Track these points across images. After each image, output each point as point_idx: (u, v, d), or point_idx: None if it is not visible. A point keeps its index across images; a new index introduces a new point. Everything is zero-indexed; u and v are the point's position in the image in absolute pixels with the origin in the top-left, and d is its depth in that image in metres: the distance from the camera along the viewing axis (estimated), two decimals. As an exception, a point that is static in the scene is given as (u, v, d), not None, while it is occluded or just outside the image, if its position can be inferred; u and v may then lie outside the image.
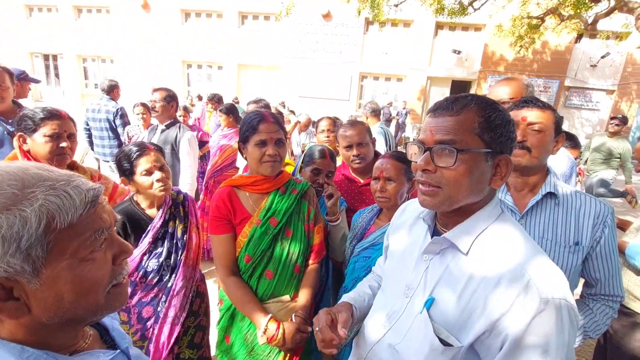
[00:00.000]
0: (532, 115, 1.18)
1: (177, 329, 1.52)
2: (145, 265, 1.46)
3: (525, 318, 0.66)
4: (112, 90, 4.32)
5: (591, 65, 11.70)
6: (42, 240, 0.47)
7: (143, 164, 1.45)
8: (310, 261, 1.47)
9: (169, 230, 1.54)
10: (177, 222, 1.57)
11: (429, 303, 0.79)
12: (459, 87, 12.84)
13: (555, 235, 1.18)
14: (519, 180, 1.25)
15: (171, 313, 1.50)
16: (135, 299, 1.48)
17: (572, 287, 1.24)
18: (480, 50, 12.01)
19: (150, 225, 1.48)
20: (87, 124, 4.09)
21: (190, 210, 1.64)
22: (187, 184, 2.83)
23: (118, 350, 0.64)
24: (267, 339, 1.27)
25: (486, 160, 0.75)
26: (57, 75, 14.90)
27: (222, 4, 12.79)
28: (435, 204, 0.78)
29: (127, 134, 4.08)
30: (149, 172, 1.46)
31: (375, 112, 3.85)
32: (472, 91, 12.52)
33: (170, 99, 2.90)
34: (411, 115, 12.41)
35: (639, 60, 11.31)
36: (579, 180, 5.27)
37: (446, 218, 0.83)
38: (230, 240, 1.37)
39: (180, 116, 4.08)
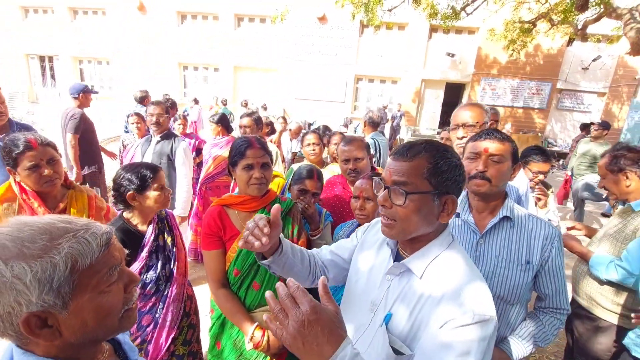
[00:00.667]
0: (492, 147, 1.31)
1: (174, 332, 1.65)
2: (144, 278, 1.57)
3: (457, 328, 0.80)
4: (143, 100, 4.71)
5: (583, 68, 11.86)
6: (69, 280, 0.57)
7: (158, 181, 1.60)
8: (294, 273, 1.60)
9: (160, 244, 1.65)
10: (165, 235, 1.69)
11: (387, 318, 0.92)
12: (453, 89, 12.99)
13: (509, 254, 1.31)
14: (480, 204, 1.38)
15: (169, 318, 1.63)
16: None
17: (525, 300, 1.37)
18: (473, 53, 12.15)
19: (144, 240, 1.58)
20: (126, 128, 4.36)
21: (173, 224, 1.76)
22: (184, 192, 2.96)
23: None
24: (254, 345, 1.40)
25: (433, 200, 0.88)
26: (53, 76, 14.90)
27: (218, 6, 12.84)
28: (392, 234, 0.93)
29: (122, 143, 4.18)
30: (161, 187, 1.61)
31: (373, 124, 3.89)
32: (466, 93, 12.68)
33: (168, 110, 3.01)
34: (406, 118, 12.55)
35: (630, 63, 11.47)
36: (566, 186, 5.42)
37: (405, 244, 0.97)
38: (221, 256, 1.49)
39: (180, 124, 4.16)
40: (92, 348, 0.69)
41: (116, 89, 14.13)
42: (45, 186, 1.63)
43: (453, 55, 12.11)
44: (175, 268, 1.67)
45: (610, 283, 1.68)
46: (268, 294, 0.73)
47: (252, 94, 13.20)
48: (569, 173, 5.56)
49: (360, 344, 0.98)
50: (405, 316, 0.89)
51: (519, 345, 1.31)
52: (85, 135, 3.67)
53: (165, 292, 1.64)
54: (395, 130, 11.35)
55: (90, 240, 0.61)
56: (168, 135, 3.00)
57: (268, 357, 1.49)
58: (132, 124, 3.88)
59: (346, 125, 11.40)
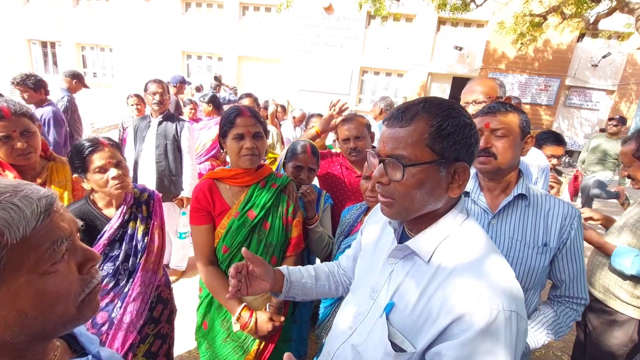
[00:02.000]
0: (494, 121, 1.19)
1: (132, 337, 1.44)
2: (100, 269, 1.36)
3: (474, 327, 0.65)
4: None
5: (592, 65, 11.62)
6: None
7: (96, 160, 1.36)
8: (288, 253, 1.50)
9: (128, 232, 1.46)
10: (138, 222, 1.49)
11: (389, 307, 0.80)
12: (460, 83, 12.74)
13: (524, 235, 1.19)
14: (490, 183, 1.27)
15: (126, 319, 1.42)
16: None
17: (539, 286, 1.26)
18: (482, 47, 11.93)
19: (107, 226, 1.40)
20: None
21: (154, 210, 1.56)
22: (190, 173, 2.90)
23: (90, 356, 0.63)
24: (241, 326, 1.31)
25: (439, 171, 0.73)
26: (55, 63, 14.78)
27: (222, -5, 12.67)
28: (392, 214, 0.80)
29: (122, 125, 4.07)
30: (102, 169, 1.37)
31: (383, 109, 3.86)
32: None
33: (168, 89, 2.90)
34: (410, 111, 12.36)
35: (640, 60, 11.24)
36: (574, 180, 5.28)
37: (410, 223, 0.84)
38: (209, 231, 1.39)
39: (191, 109, 4.06)
40: (39, 347, 0.55)
41: (118, 76, 14.00)
42: (18, 159, 1.48)
43: (461, 49, 11.90)
44: (141, 262, 1.46)
45: (632, 276, 1.57)
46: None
47: (256, 85, 13.05)
48: (579, 168, 5.43)
49: (358, 335, 0.86)
50: (409, 306, 0.76)
51: (530, 336, 1.20)
52: None
53: (126, 289, 1.43)
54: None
55: (21, 206, 0.47)
56: (170, 116, 2.90)
57: (257, 340, 1.40)
58: (132, 105, 3.77)
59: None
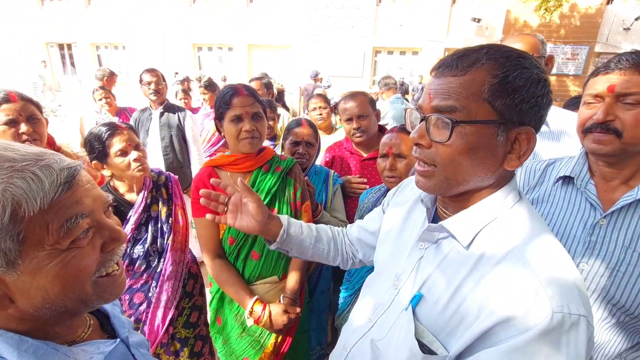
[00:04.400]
0: (624, 82, 0.85)
1: (171, 312, 1.50)
2: (131, 253, 1.41)
3: (528, 332, 0.52)
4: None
5: (624, 29, 10.78)
6: (11, 231, 0.42)
7: (117, 143, 1.36)
8: (298, 241, 1.41)
9: (152, 215, 1.47)
10: (160, 205, 1.50)
11: (416, 300, 0.67)
12: (479, 58, 12.21)
13: None
14: (607, 170, 0.95)
15: (163, 297, 1.47)
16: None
17: None
18: (502, 18, 11.28)
19: (131, 211, 1.41)
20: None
21: (174, 191, 1.57)
22: (198, 161, 2.85)
23: (118, 340, 0.62)
24: (254, 320, 1.24)
25: (496, 135, 0.59)
26: (72, 64, 15.12)
27: (229, -18, 12.48)
28: (430, 186, 0.66)
29: (81, 121, 3.54)
30: (124, 152, 1.37)
31: (388, 86, 3.70)
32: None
33: (164, 78, 2.85)
34: (427, 90, 11.95)
35: (679, 19, 10.33)
36: None
37: (447, 201, 0.71)
38: (213, 223, 1.31)
39: (180, 99, 3.98)
40: (65, 322, 0.54)
41: (133, 74, 14.19)
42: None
43: (479, 21, 11.29)
44: (169, 242, 1.49)
45: None
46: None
47: (268, 73, 12.92)
48: None
49: (378, 329, 0.75)
50: (441, 301, 0.64)
51: None
52: None
53: (159, 269, 1.47)
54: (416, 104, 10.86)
55: (41, 176, 0.44)
56: (171, 106, 2.84)
57: (274, 335, 1.33)
58: (100, 99, 3.35)
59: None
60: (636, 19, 10.34)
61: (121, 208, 1.43)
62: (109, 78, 3.72)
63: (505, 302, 0.55)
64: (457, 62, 0.60)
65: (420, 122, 0.64)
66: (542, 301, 0.53)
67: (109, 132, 1.37)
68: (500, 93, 0.57)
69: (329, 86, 7.33)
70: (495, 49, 0.60)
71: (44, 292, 0.47)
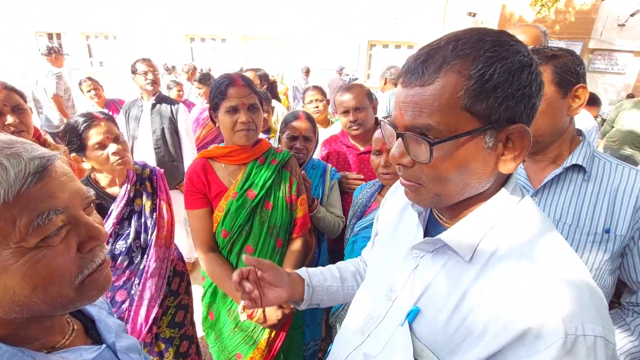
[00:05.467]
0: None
1: (155, 310, 1.45)
2: (113, 248, 1.37)
3: (540, 355, 0.47)
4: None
5: (619, 25, 10.83)
6: None
7: (94, 136, 1.30)
8: (294, 235, 1.38)
9: (136, 209, 1.42)
10: (144, 199, 1.45)
11: (413, 315, 0.62)
12: (474, 53, 12.20)
13: (577, 219, 0.94)
14: (535, 150, 1.01)
15: (147, 295, 1.43)
16: None
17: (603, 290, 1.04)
18: (497, 12, 11.26)
19: (113, 205, 1.36)
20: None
21: (159, 185, 1.51)
22: (191, 155, 2.77)
23: (104, 346, 0.58)
24: (247, 315, 1.22)
25: (484, 142, 0.52)
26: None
27: (223, -28, 12.25)
28: (420, 201, 0.61)
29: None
30: (102, 145, 1.31)
31: (392, 76, 3.65)
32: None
33: (157, 68, 2.78)
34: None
35: (673, 17, 10.40)
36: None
37: (443, 208, 0.65)
38: (206, 215, 1.28)
39: (178, 91, 3.91)
40: (39, 327, 0.50)
41: (124, 64, 13.95)
42: None
43: (475, 15, 11.26)
44: (153, 238, 1.43)
45: None
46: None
47: (262, 65, 12.77)
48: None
49: (372, 343, 0.70)
50: (441, 316, 0.58)
51: None
52: None
53: (142, 266, 1.42)
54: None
55: (6, 165, 0.40)
56: (164, 98, 2.77)
57: (267, 330, 1.31)
58: (88, 91, 3.27)
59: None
60: (631, 15, 10.38)
61: (102, 202, 1.38)
62: (193, 71, 4.08)
63: (515, 320, 0.50)
64: (423, 67, 0.52)
65: (397, 138, 0.57)
66: (555, 321, 0.48)
67: (85, 124, 1.31)
68: (479, 96, 0.49)
69: (356, 79, 7.21)
70: (463, 41, 0.51)
71: (12, 293, 0.43)
